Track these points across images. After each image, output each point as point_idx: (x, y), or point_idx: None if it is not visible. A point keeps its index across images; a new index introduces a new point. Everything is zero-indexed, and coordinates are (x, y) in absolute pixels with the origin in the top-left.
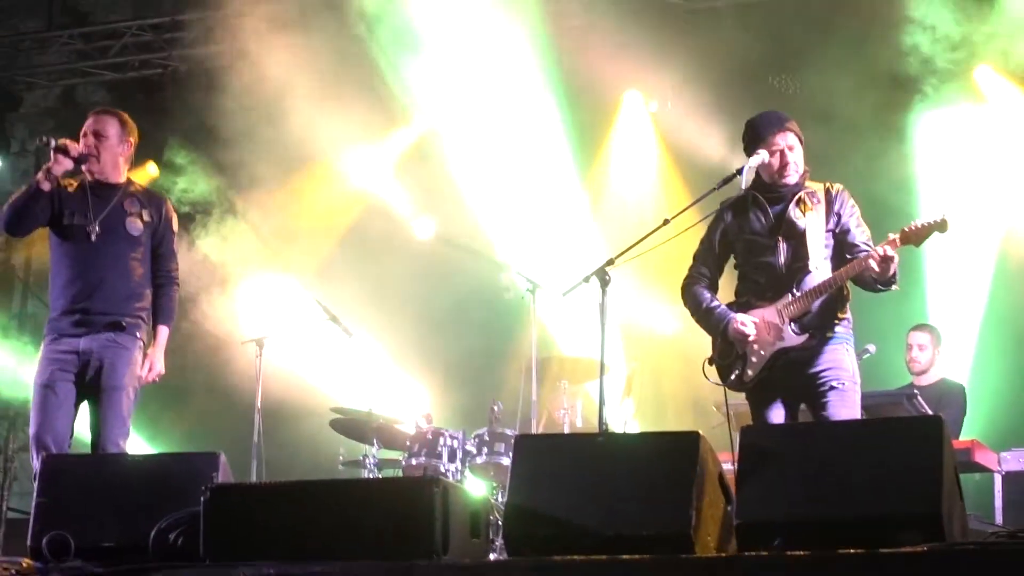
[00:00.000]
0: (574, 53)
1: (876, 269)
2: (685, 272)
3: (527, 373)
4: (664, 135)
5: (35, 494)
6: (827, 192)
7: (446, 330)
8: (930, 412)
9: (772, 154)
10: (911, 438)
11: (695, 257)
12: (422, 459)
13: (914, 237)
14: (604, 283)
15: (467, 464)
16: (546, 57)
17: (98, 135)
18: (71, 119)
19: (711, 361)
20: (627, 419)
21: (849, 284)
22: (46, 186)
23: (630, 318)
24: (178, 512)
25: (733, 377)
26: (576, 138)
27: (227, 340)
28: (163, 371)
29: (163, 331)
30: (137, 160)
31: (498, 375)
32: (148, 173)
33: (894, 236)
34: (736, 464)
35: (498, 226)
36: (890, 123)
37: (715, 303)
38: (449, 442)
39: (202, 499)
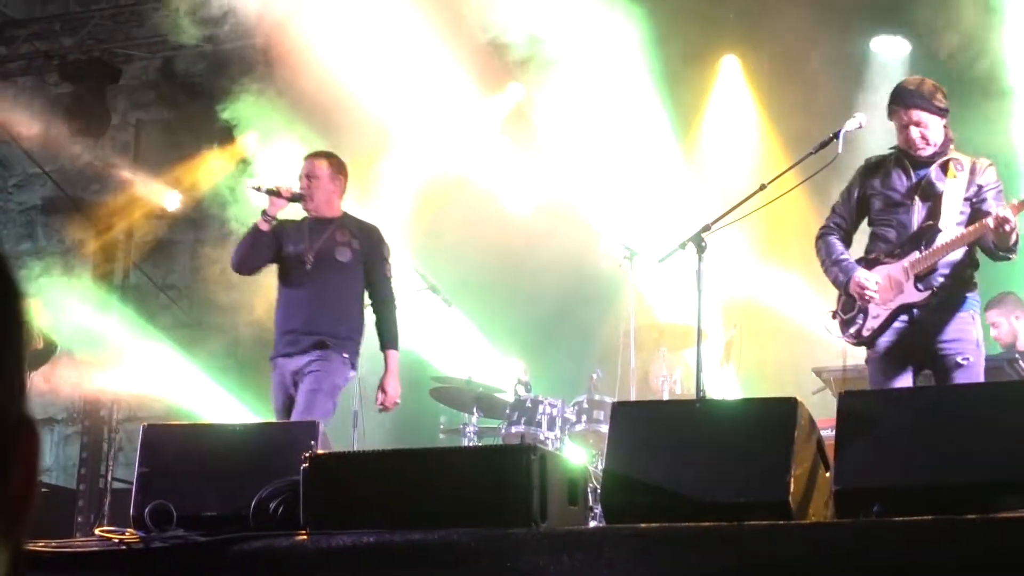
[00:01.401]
0: (671, 18)
1: (993, 229)
2: (822, 222)
3: (625, 341)
4: (761, 100)
5: (137, 464)
6: (973, 163)
7: (544, 299)
8: None
9: (900, 129)
10: (1012, 402)
11: (833, 207)
12: (521, 427)
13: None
14: (701, 249)
15: (566, 432)
16: (642, 23)
17: (310, 176)
18: (171, 91)
19: (834, 314)
20: (726, 386)
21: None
22: (264, 227)
23: (728, 284)
24: (278, 481)
25: (853, 331)
26: (673, 104)
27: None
28: (398, 398)
29: (392, 355)
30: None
31: (597, 343)
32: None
33: (1016, 201)
34: (835, 430)
35: (595, 194)
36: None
37: (843, 255)
38: (548, 410)
39: (302, 468)
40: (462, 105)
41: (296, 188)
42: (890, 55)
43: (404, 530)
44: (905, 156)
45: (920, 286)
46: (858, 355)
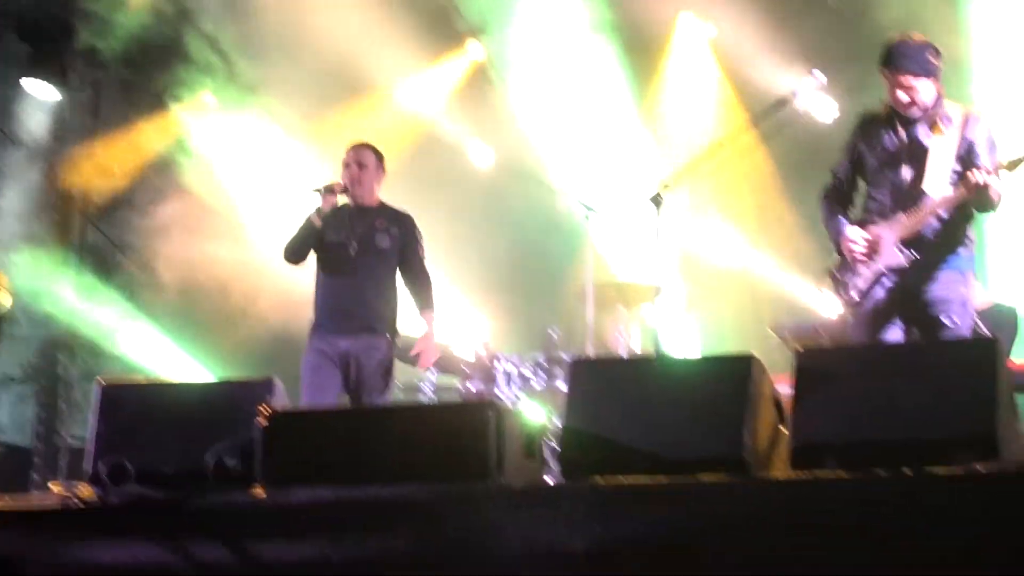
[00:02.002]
0: None
1: (970, 196)
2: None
3: (583, 298)
4: (719, 57)
5: (93, 421)
6: (965, 116)
7: (503, 257)
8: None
9: (889, 90)
10: (966, 360)
11: (832, 169)
12: (479, 385)
13: (1010, 167)
14: (658, 206)
15: (524, 389)
16: None
17: (360, 164)
18: (128, 50)
19: (831, 275)
20: (684, 343)
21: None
22: (319, 223)
23: (687, 242)
24: (235, 438)
25: (844, 291)
26: (631, 61)
27: (287, 267)
28: (435, 359)
29: (430, 317)
30: None
31: (555, 301)
32: None
33: (1004, 163)
34: (792, 386)
35: (554, 152)
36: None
37: (838, 215)
38: (506, 367)
39: (259, 425)
40: (421, 62)
41: (339, 179)
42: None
43: (361, 486)
44: (895, 113)
45: (903, 250)
46: (818, 314)
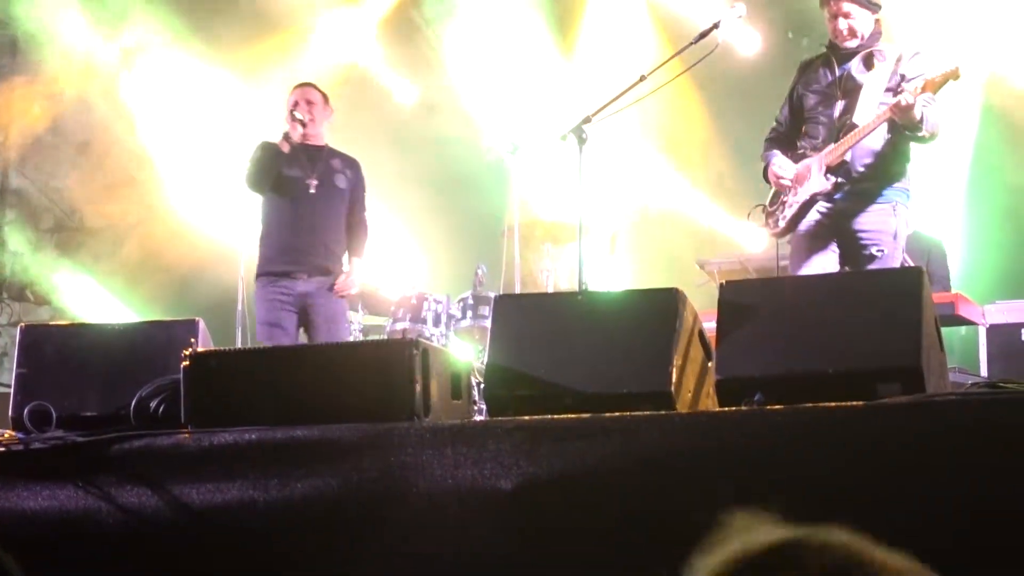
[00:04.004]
0: None
1: (893, 112)
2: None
3: (510, 236)
4: None
5: (15, 365)
6: (900, 54)
7: (429, 195)
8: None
9: (829, 19)
10: (891, 290)
11: (776, 116)
12: (406, 324)
13: (930, 87)
14: (581, 142)
15: (452, 328)
16: None
17: (309, 103)
18: None
19: (763, 208)
20: (612, 280)
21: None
22: (286, 148)
23: (612, 178)
24: (159, 380)
25: (772, 221)
26: None
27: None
28: (352, 290)
29: (356, 263)
30: None
31: (482, 239)
32: None
33: (924, 81)
34: (716, 320)
35: (478, 90)
36: None
37: (770, 153)
38: (433, 306)
39: (182, 366)
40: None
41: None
42: None
43: (286, 427)
44: (833, 52)
45: (829, 176)
46: (744, 249)
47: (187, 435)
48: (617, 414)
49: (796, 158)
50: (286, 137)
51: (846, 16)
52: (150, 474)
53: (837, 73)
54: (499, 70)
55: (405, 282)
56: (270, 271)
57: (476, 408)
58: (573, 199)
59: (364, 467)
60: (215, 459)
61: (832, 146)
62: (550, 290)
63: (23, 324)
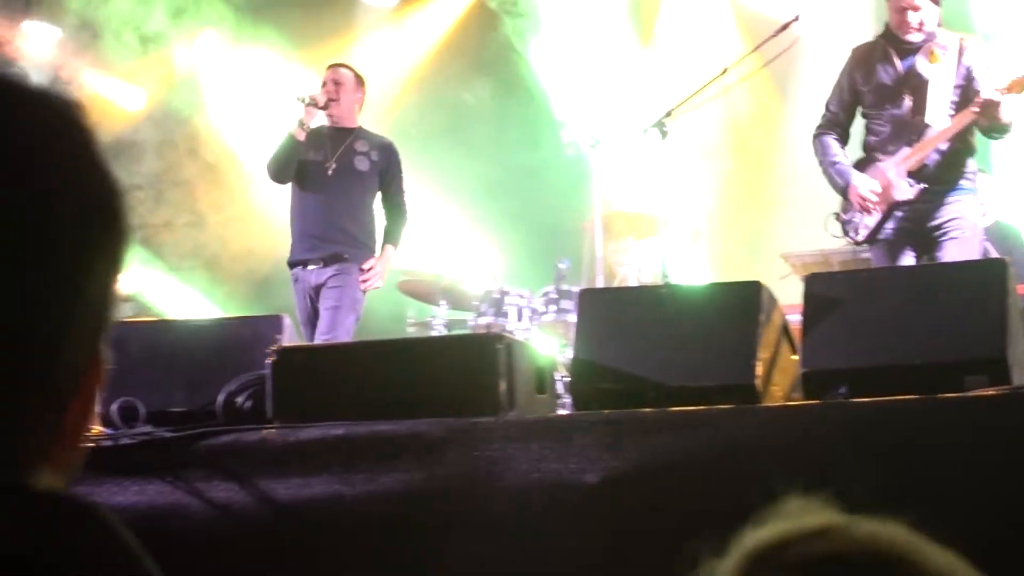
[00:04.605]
0: None
1: (980, 115)
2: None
3: (591, 230)
4: None
5: None
6: (960, 43)
7: (510, 190)
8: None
9: (895, 11)
10: (975, 281)
11: (827, 103)
12: (490, 318)
13: (1017, 87)
14: (663, 135)
15: (535, 322)
16: None
17: (337, 83)
18: None
19: (837, 217)
20: (694, 273)
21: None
22: (302, 136)
23: (696, 171)
24: (245, 375)
25: (852, 231)
26: None
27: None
28: (380, 282)
29: (388, 249)
30: None
31: (564, 233)
32: None
33: (1009, 82)
34: (801, 313)
35: (557, 83)
36: None
37: (837, 159)
38: (516, 301)
39: (269, 362)
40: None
41: (323, 97)
42: None
43: (372, 421)
44: (891, 43)
45: (912, 182)
46: (826, 242)
47: (273, 430)
48: (702, 407)
49: (863, 161)
50: (301, 123)
51: (915, 9)
52: (237, 469)
53: (900, 68)
54: (579, 61)
55: (488, 277)
56: (293, 261)
57: (560, 402)
58: (655, 192)
59: (450, 461)
60: (301, 454)
61: (908, 151)
62: (632, 284)
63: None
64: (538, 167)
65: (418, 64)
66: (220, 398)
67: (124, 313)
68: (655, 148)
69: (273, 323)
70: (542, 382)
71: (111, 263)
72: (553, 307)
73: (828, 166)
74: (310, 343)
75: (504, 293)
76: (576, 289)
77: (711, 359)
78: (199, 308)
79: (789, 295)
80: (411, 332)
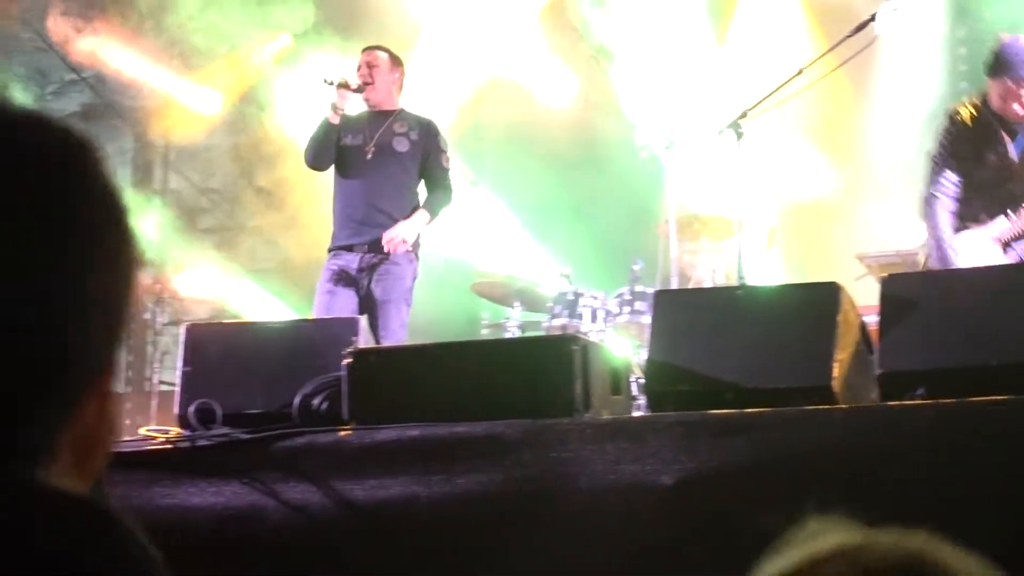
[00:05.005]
0: None
1: None
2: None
3: (666, 232)
4: None
5: (181, 364)
6: None
7: (584, 192)
8: None
9: (1000, 96)
10: None
11: (934, 162)
12: (564, 320)
13: None
14: (738, 136)
15: (609, 324)
16: None
17: (371, 66)
18: None
19: None
20: (769, 275)
21: None
22: (336, 120)
23: (770, 172)
24: (321, 377)
25: None
26: None
27: None
28: (407, 241)
29: (421, 214)
30: None
31: (638, 235)
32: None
33: None
34: (878, 314)
35: (631, 85)
36: None
37: (951, 246)
38: (591, 302)
39: (344, 364)
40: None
41: (357, 80)
42: None
43: (447, 423)
44: (999, 122)
45: (1010, 252)
46: (902, 242)
47: (349, 432)
48: (778, 409)
49: (956, 229)
50: (334, 107)
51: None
52: (313, 470)
53: (1013, 153)
54: (655, 62)
55: (562, 279)
56: (333, 246)
57: (635, 404)
58: (730, 194)
59: (526, 463)
60: (377, 455)
61: (1006, 223)
62: (707, 285)
63: (188, 323)
64: (613, 168)
65: (493, 66)
66: (296, 400)
67: (201, 316)
68: (730, 149)
69: (349, 325)
70: (617, 383)
71: (118, 269)
72: (627, 308)
73: (938, 242)
74: (376, 347)
75: (578, 295)
76: (650, 291)
77: (788, 360)
78: (275, 311)
79: (865, 296)
80: (485, 334)
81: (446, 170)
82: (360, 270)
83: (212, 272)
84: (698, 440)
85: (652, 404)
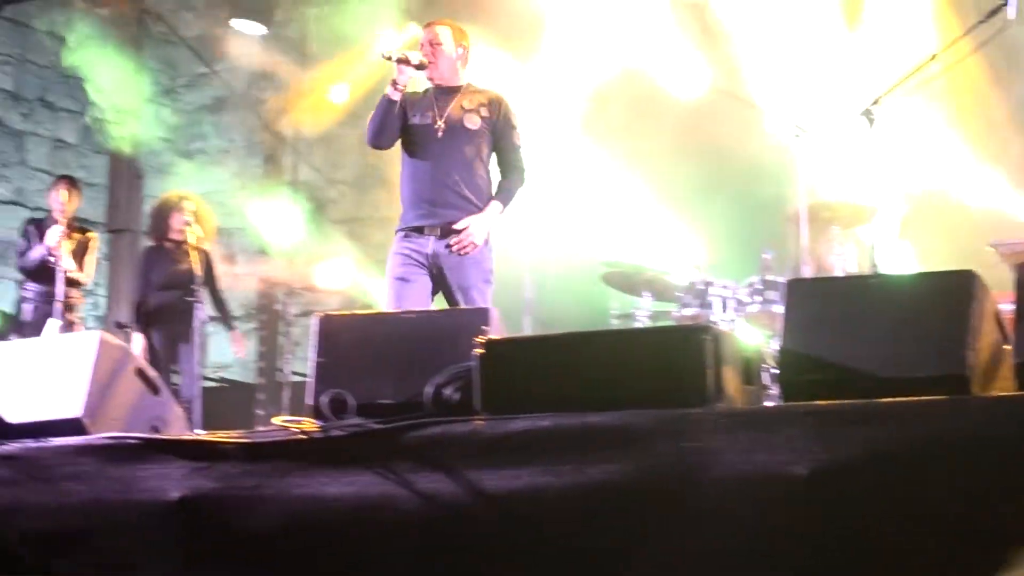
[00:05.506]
0: None
1: None
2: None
3: (796, 220)
4: None
5: (313, 354)
6: None
7: (713, 180)
8: None
9: None
10: None
11: None
12: (694, 309)
13: None
14: (871, 123)
15: (739, 313)
16: None
17: (433, 43)
18: None
19: None
20: (901, 263)
21: None
22: (396, 96)
23: (902, 158)
24: (453, 367)
25: None
26: None
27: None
28: (477, 242)
29: (494, 205)
30: None
31: (767, 223)
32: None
33: None
34: (1014, 302)
35: (760, 71)
36: None
37: None
38: (720, 292)
39: (476, 353)
40: None
41: (419, 57)
42: None
43: (579, 413)
44: None
45: None
46: None
47: (482, 422)
48: (913, 399)
49: None
50: (394, 83)
51: None
52: (446, 460)
53: None
54: (784, 48)
55: (691, 268)
56: (403, 227)
57: (767, 395)
58: (863, 181)
59: (657, 453)
60: (510, 445)
61: None
62: (838, 274)
63: (321, 314)
64: (742, 157)
65: (622, 55)
66: (428, 390)
67: (333, 306)
68: (862, 136)
69: (480, 315)
70: (749, 373)
71: None
72: (758, 298)
73: None
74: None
75: (708, 284)
76: (781, 280)
77: (922, 349)
78: None
79: (998, 285)
80: (614, 324)
81: (518, 147)
82: (432, 254)
83: (343, 262)
84: (832, 430)
85: (785, 393)
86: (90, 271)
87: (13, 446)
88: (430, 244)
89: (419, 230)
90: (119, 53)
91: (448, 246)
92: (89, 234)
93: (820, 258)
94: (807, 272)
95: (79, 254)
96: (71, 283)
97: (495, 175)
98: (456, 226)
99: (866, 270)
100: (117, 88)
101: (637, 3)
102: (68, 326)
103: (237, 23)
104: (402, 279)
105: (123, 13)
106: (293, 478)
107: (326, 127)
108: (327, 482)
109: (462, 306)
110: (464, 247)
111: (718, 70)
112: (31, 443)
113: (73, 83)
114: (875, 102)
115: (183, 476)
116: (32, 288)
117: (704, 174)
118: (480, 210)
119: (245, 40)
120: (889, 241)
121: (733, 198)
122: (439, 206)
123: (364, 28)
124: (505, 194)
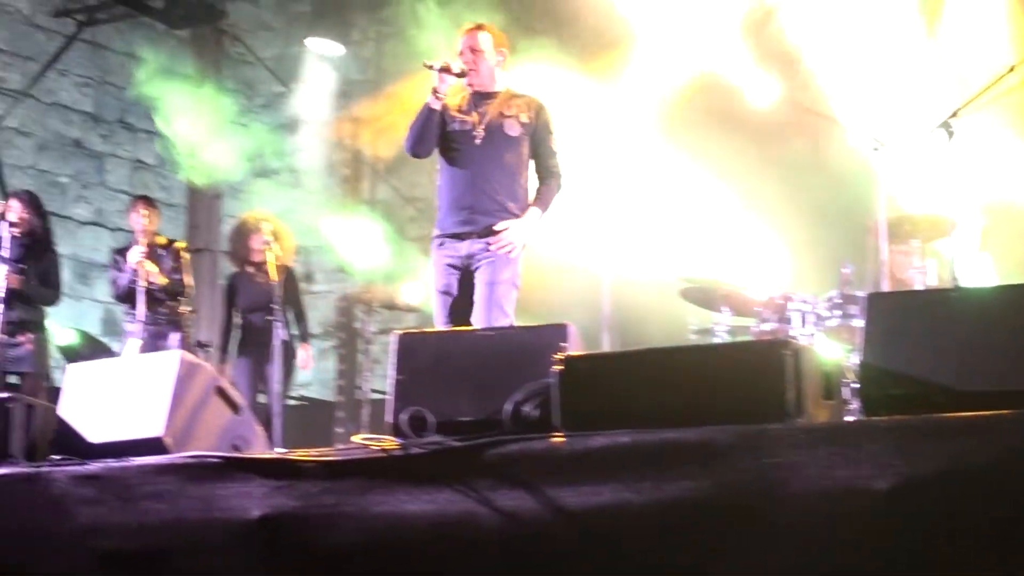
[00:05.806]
0: None
1: None
2: None
3: (876, 234)
4: None
5: (392, 372)
6: None
7: (790, 194)
8: None
9: None
10: None
11: None
12: (773, 324)
13: None
14: (949, 135)
15: (819, 328)
16: None
17: (474, 50)
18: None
19: None
20: (982, 276)
21: None
22: (436, 105)
23: (982, 171)
24: (532, 384)
25: None
26: None
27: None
28: (513, 244)
29: (533, 212)
30: None
31: (846, 237)
32: None
33: None
34: None
35: (838, 84)
36: None
37: None
38: (800, 306)
39: (555, 370)
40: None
41: (460, 64)
42: None
43: (658, 429)
44: None
45: None
46: None
47: (562, 438)
48: (996, 412)
49: None
50: (435, 92)
51: None
52: (526, 477)
53: None
54: (862, 58)
55: (770, 282)
56: (440, 233)
57: (847, 409)
58: (942, 194)
59: (738, 469)
60: (589, 462)
61: None
62: (918, 287)
63: (399, 332)
64: (820, 170)
65: (703, 66)
66: (507, 407)
67: (411, 324)
68: (941, 149)
69: (558, 331)
70: (829, 388)
71: None
72: (838, 312)
73: None
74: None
75: (787, 299)
76: (861, 294)
77: (1005, 363)
78: None
79: None
80: (693, 339)
81: (555, 153)
82: (468, 255)
83: (421, 280)
84: (913, 444)
85: (866, 408)
86: (189, 280)
87: (95, 466)
88: (466, 246)
89: (458, 236)
90: (197, 74)
91: (487, 245)
92: (177, 244)
93: (899, 271)
94: (886, 285)
95: (175, 268)
96: (172, 295)
97: (532, 181)
98: (496, 227)
99: (946, 283)
100: (194, 111)
101: (715, 12)
102: (183, 342)
103: (314, 43)
104: (446, 292)
105: (201, 35)
106: (373, 496)
107: (401, 145)
108: (407, 500)
109: (483, 302)
110: (503, 246)
111: (794, 82)
112: (113, 463)
113: (152, 105)
114: (954, 115)
115: (264, 495)
116: (132, 313)
117: (783, 187)
118: (519, 216)
119: (322, 60)
120: (969, 254)
121: (812, 211)
122: (479, 212)
123: (436, 45)
124: (543, 200)
